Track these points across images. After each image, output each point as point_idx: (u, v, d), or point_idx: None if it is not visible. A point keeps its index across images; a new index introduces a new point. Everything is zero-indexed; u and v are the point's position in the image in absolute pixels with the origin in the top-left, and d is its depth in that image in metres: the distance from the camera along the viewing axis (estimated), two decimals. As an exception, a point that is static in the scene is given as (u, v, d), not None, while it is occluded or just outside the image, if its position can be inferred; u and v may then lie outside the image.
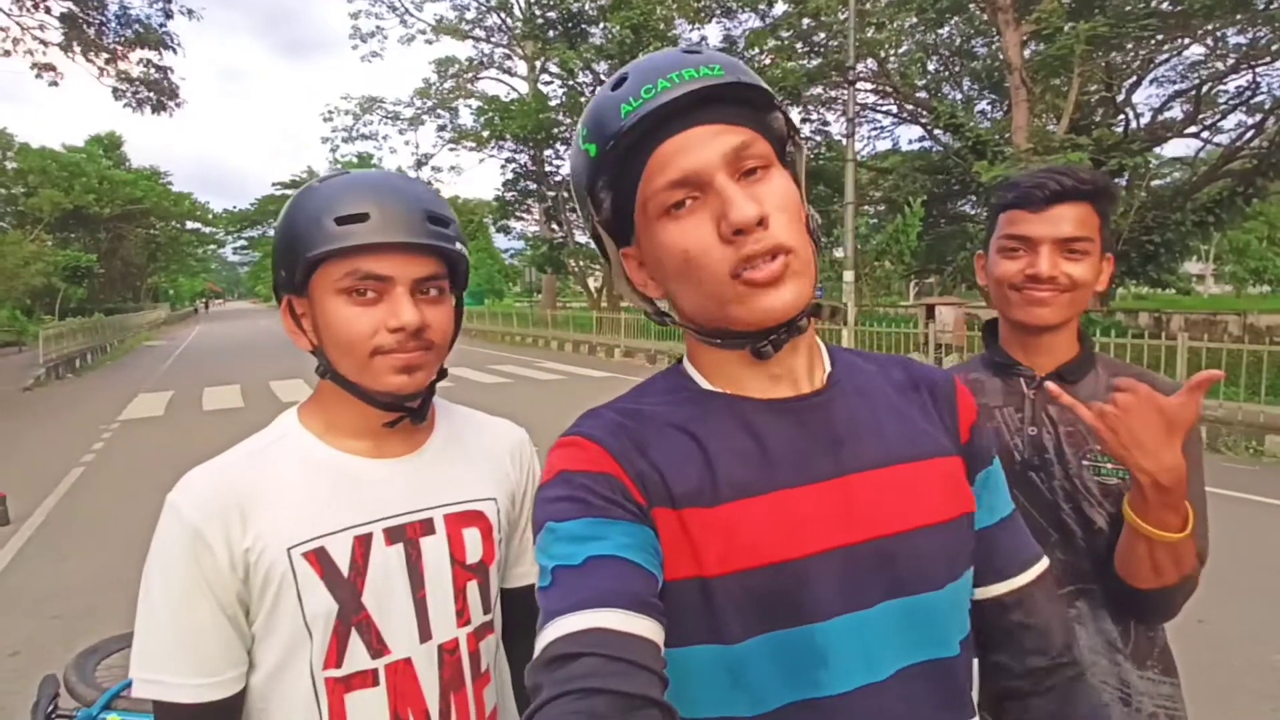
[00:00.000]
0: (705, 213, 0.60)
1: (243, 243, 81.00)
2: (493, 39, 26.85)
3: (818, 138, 22.92)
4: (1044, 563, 0.74)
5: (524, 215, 27.74)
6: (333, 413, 0.89)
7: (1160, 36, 13.24)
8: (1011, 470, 0.96)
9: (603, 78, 22.74)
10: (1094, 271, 1.10)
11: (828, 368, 0.69)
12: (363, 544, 0.84)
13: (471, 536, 0.91)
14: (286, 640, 0.82)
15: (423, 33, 27.44)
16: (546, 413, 9.41)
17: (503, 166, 25.19)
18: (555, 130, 22.49)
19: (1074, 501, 1.09)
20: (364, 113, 29.00)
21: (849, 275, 13.87)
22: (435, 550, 0.88)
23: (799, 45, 19.19)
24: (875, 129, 23.48)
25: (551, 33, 21.55)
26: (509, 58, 27.03)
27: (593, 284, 26.10)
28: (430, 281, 0.85)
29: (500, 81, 27.79)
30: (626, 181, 0.63)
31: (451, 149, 29.78)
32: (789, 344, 0.65)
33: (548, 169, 24.84)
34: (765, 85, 0.63)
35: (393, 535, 0.86)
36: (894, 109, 21.47)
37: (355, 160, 52.60)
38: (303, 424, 0.90)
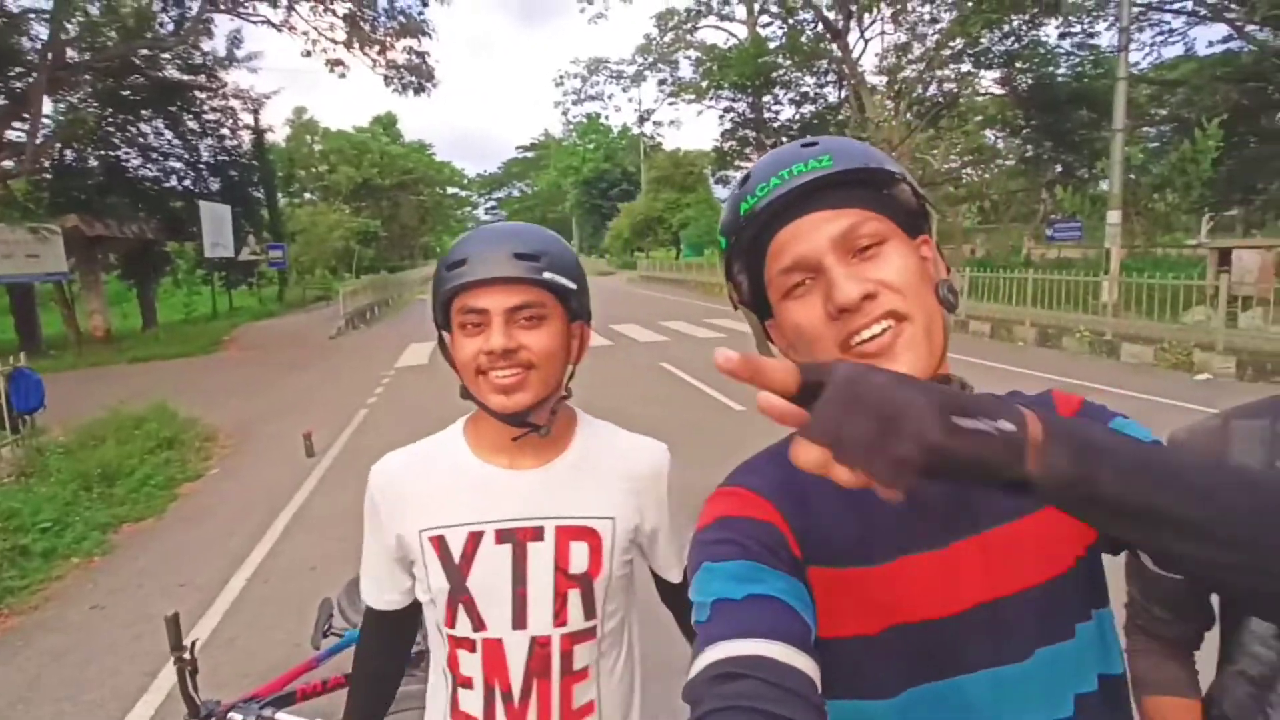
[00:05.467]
0: (817, 294, 0.65)
1: (493, 203, 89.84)
2: (712, -16, 26.37)
3: (1082, 52, 19.67)
4: None
5: (743, 164, 27.42)
6: (480, 428, 1.06)
7: None
8: None
9: (825, 12, 21.45)
10: None
11: None
12: (475, 539, 1.00)
13: (579, 550, 1.01)
14: (428, 598, 1.05)
15: (644, -13, 27.71)
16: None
17: (721, 116, 25.05)
18: (774, 75, 21.73)
19: None
20: (591, 74, 30.31)
21: (1114, 215, 11.95)
22: (540, 555, 1.00)
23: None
24: (1161, 33, 19.45)
25: (772, -30, 20.64)
26: (726, 3, 26.43)
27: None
28: (524, 309, 0.95)
29: (719, 29, 27.27)
30: (756, 265, 0.70)
31: (671, 103, 30.08)
32: None
33: (766, 115, 24.16)
34: (881, 164, 0.67)
35: (503, 536, 1.00)
36: (1189, 5, 17.62)
37: (585, 120, 55.48)
38: (464, 434, 1.07)
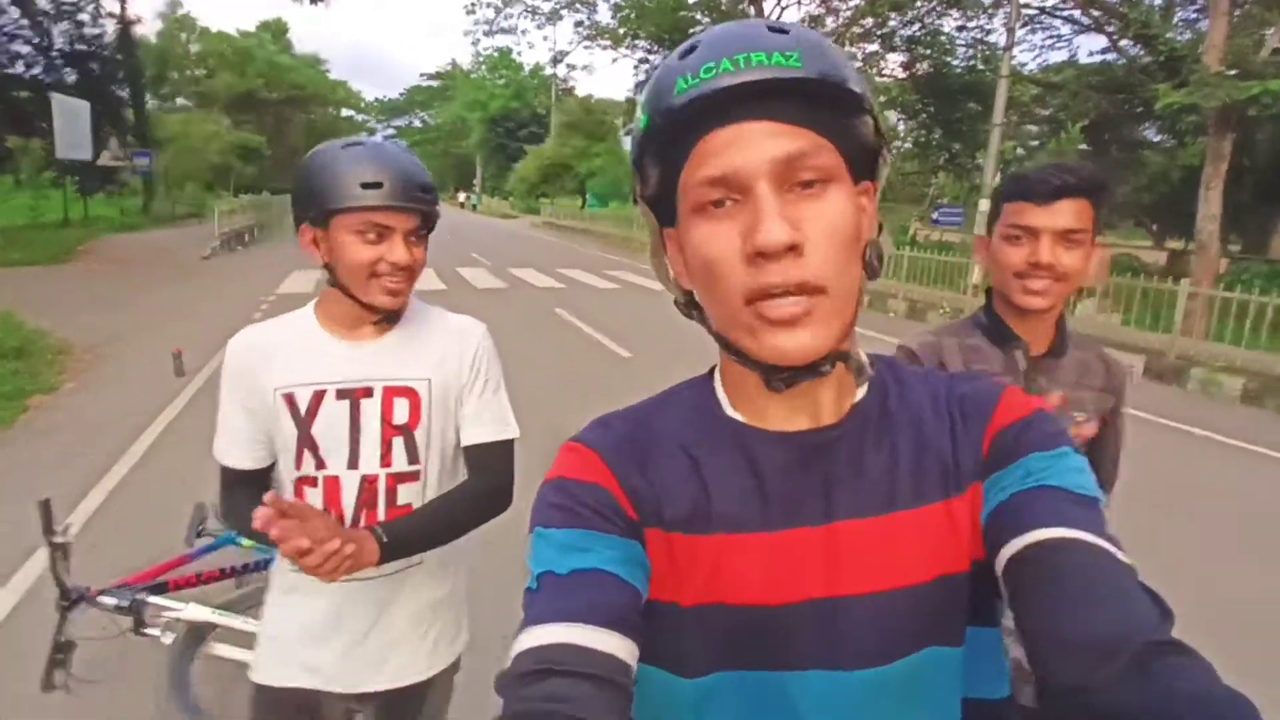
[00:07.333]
0: (737, 223, 0.54)
1: (391, 131, 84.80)
2: (636, -73, 25.68)
3: (978, 47, 20.82)
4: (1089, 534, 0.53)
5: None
6: (330, 309, 1.27)
7: None
8: None
9: (747, -28, 21.50)
10: (1084, 260, 1.24)
11: (859, 396, 0.63)
12: (319, 396, 1.22)
13: (401, 405, 1.24)
14: (279, 447, 1.25)
15: (566, -82, 26.61)
16: (646, 328, 9.66)
17: (635, 67, 24.73)
18: (691, 31, 21.65)
19: None
20: (505, 5, 28.90)
21: (984, 204, 12.94)
22: (370, 410, 1.23)
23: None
24: (1051, 37, 20.87)
25: (697, -79, 20.39)
26: (651, -51, 25.87)
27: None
28: (419, 230, 1.20)
29: (641, -26, 26.66)
30: (673, 162, 0.57)
31: (586, 47, 29.30)
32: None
33: (681, 71, 23.90)
34: (853, 83, 0.54)
35: (342, 394, 1.22)
36: (1075, 14, 18.95)
37: (496, 55, 53.17)
38: (314, 312, 1.28)
